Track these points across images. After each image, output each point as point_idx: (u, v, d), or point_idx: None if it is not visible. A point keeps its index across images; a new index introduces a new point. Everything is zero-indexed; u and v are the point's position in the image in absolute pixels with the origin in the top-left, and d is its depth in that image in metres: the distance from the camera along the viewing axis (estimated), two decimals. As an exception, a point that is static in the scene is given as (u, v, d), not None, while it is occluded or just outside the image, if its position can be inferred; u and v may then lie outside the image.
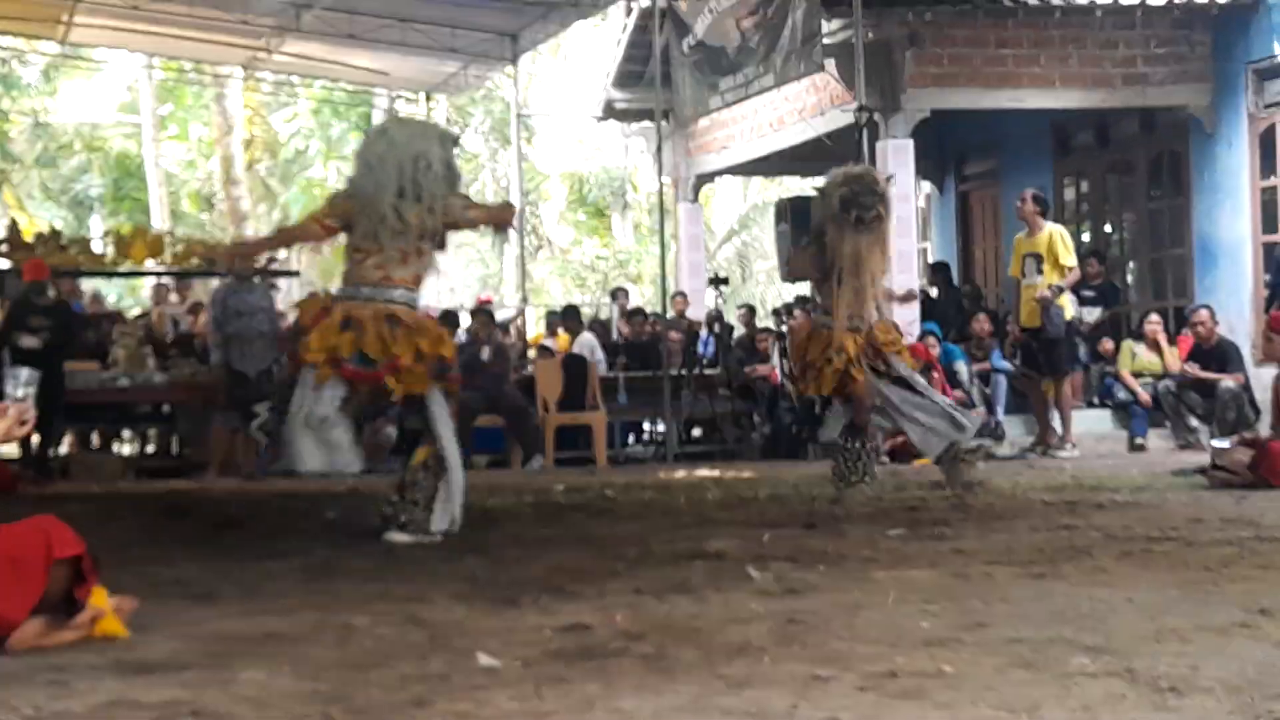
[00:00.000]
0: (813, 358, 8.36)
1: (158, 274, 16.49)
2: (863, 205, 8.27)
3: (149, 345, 14.77)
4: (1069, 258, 12.47)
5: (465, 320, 16.35)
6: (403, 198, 6.77)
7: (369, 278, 6.83)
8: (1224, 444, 9.20)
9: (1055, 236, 12.41)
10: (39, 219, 29.43)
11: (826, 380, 8.28)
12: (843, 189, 8.37)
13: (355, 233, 6.88)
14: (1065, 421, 12.75)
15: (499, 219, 7.59)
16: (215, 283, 15.03)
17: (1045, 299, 12.25)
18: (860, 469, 8.32)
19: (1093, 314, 14.01)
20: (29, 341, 12.31)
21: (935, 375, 12.99)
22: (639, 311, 17.19)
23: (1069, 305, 12.69)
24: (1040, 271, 12.31)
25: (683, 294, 17.31)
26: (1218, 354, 13.21)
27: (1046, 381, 12.70)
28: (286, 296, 22.01)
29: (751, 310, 18.29)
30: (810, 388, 8.59)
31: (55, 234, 15.73)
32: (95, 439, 15.24)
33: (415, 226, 6.81)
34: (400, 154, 6.85)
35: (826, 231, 8.49)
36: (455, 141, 7.39)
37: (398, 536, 6.58)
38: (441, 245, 7.14)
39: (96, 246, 15.31)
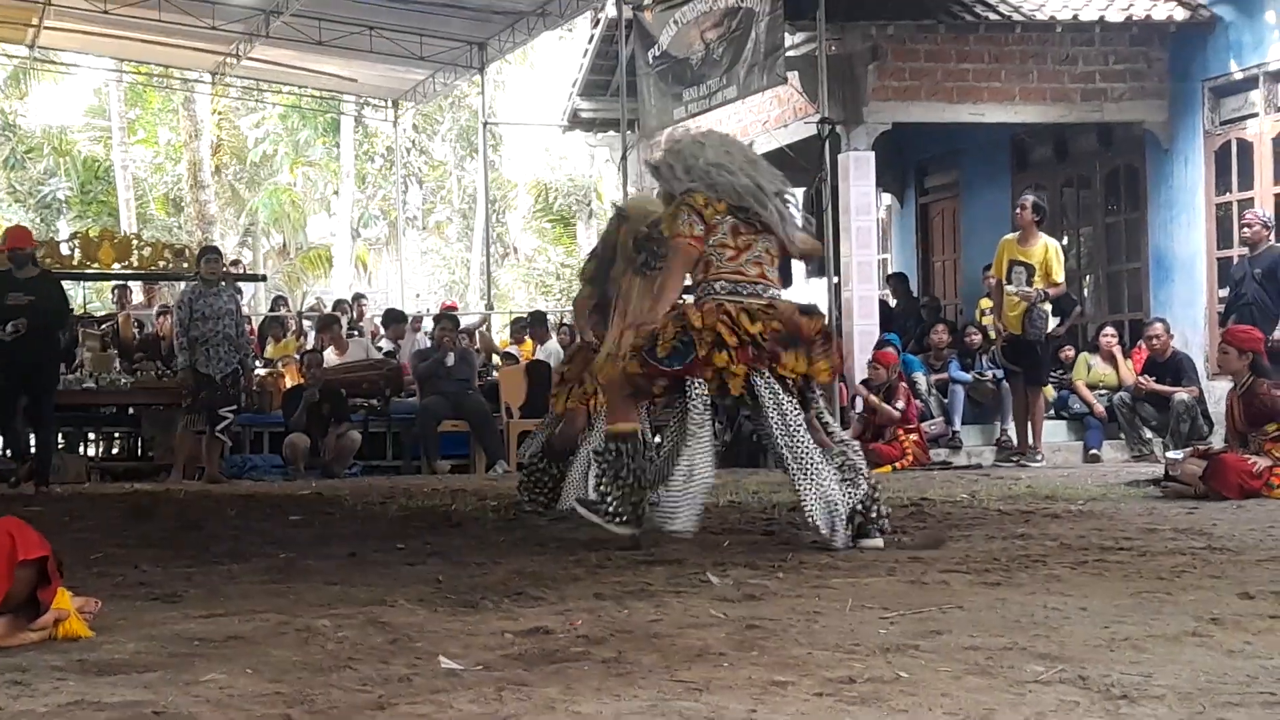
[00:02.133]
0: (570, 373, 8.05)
1: (125, 277, 16.43)
2: (655, 254, 7.43)
3: (115, 348, 14.73)
4: (1061, 274, 12.57)
5: (429, 325, 16.37)
6: (764, 193, 6.49)
7: (748, 274, 6.44)
8: (1178, 455, 9.29)
9: (1051, 251, 12.48)
10: (6, 221, 29.25)
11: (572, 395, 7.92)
12: (644, 229, 7.60)
13: (716, 232, 6.45)
14: (1036, 431, 12.84)
15: (815, 251, 7.26)
16: (181, 286, 14.99)
17: (1031, 299, 12.30)
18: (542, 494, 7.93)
19: (1050, 324, 14.13)
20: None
21: (902, 385, 13.09)
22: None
23: (1050, 319, 12.78)
24: (1030, 283, 12.38)
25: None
26: (1172, 367, 13.32)
27: (1033, 389, 12.78)
28: (250, 300, 21.95)
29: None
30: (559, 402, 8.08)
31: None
32: (60, 440, 15.15)
33: (782, 225, 6.52)
34: (734, 156, 6.62)
35: (607, 254, 8.00)
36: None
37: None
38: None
39: (64, 249, 15.25)
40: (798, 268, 17.52)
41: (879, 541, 6.18)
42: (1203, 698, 3.13)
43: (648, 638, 3.94)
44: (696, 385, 6.38)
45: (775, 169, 6.78)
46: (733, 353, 6.29)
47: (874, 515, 6.27)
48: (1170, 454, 9.92)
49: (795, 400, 6.39)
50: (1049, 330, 12.77)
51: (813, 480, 6.21)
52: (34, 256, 11.80)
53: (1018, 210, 12.73)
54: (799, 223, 6.75)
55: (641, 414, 6.81)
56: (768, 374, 6.34)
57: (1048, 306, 12.59)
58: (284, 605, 4.66)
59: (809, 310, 6.63)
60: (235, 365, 12.63)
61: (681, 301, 6.69)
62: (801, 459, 6.25)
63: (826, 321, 6.75)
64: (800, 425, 6.33)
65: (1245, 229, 12.35)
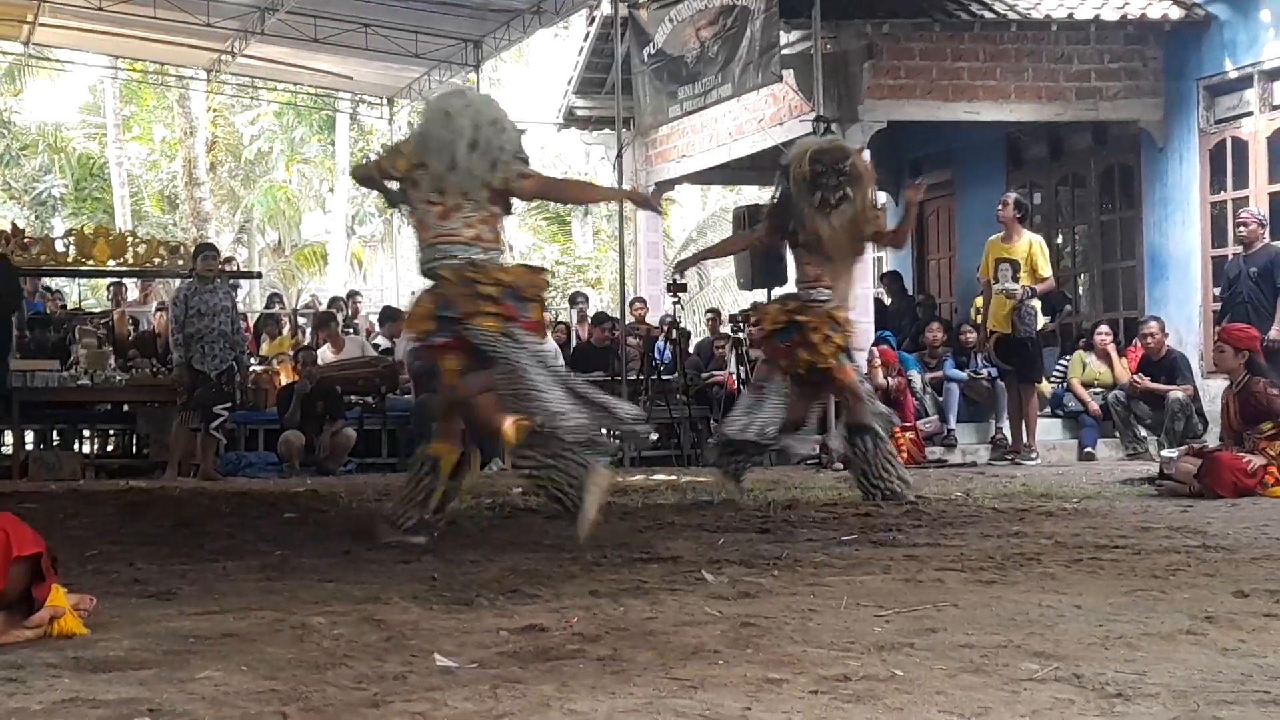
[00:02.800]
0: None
1: (120, 274, 16.43)
2: (829, 186, 8.18)
3: (110, 345, 14.72)
4: (1047, 269, 12.58)
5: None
6: (474, 150, 6.58)
7: (461, 235, 6.58)
8: (1173, 454, 9.30)
9: (1035, 246, 12.49)
10: (1, 218, 29.24)
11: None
12: (807, 167, 8.22)
13: (422, 185, 6.62)
14: (1030, 429, 12.85)
15: (585, 195, 7.30)
16: (177, 282, 14.99)
17: (1017, 296, 12.31)
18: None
19: (1040, 321, 14.17)
20: None
21: (898, 381, 13.11)
22: (605, 316, 17.21)
23: (1039, 315, 12.79)
24: (1016, 279, 12.39)
25: (642, 300, 17.35)
26: (1167, 365, 13.34)
27: (1026, 386, 12.79)
28: (246, 298, 21.94)
29: (717, 314, 18.36)
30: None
31: (19, 232, 15.65)
32: (55, 437, 15.17)
33: (482, 182, 6.61)
34: (478, 113, 6.70)
35: (792, 207, 8.40)
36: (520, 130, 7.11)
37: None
38: (507, 210, 6.91)
39: (59, 246, 15.24)
40: (792, 267, 17.57)
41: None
42: (1197, 696, 3.13)
43: (643, 635, 3.94)
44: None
45: (504, 131, 6.75)
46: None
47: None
48: (1165, 452, 9.94)
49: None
50: (1039, 327, 12.77)
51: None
52: None
53: (999, 208, 12.75)
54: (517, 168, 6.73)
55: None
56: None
57: (1036, 303, 12.60)
58: (279, 602, 4.66)
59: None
60: (230, 362, 12.63)
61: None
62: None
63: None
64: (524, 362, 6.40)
65: (1241, 227, 12.37)
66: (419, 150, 6.67)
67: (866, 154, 14.13)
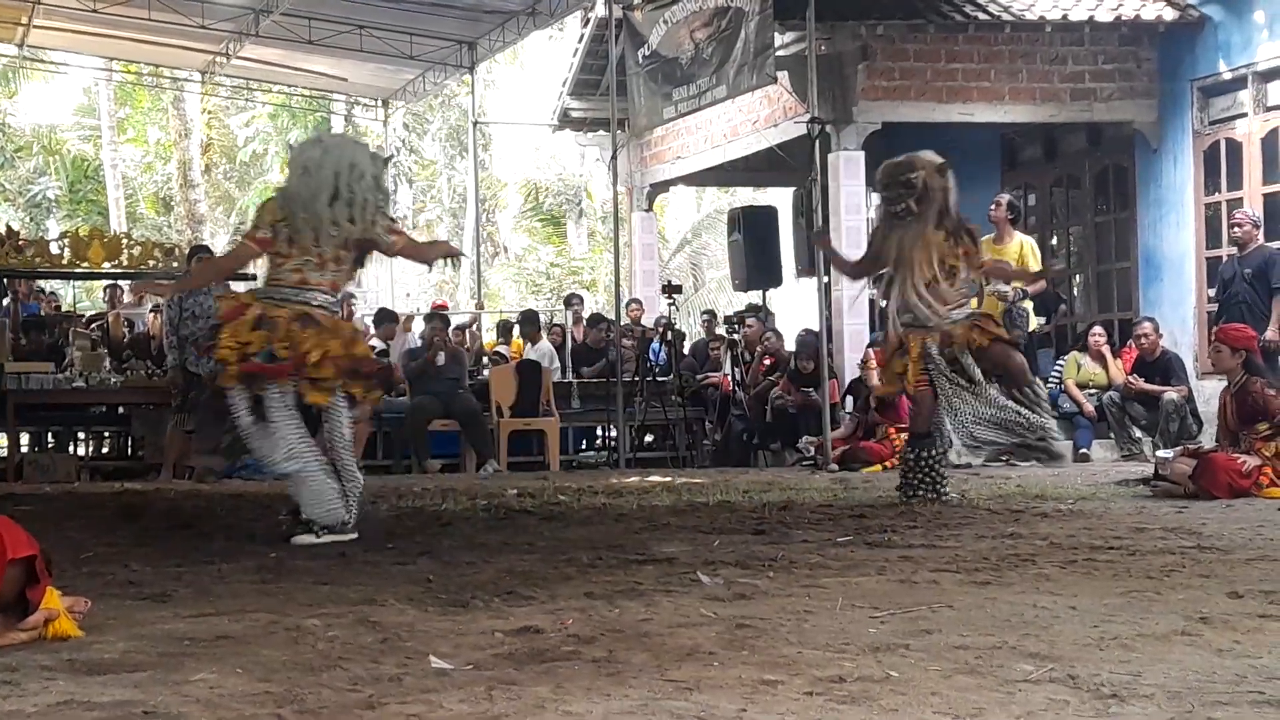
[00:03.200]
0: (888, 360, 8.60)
1: (114, 276, 16.41)
2: (889, 199, 8.30)
3: (105, 347, 14.71)
4: (1037, 267, 12.57)
5: (420, 325, 16.36)
6: (335, 201, 6.83)
7: (287, 280, 6.91)
8: (1168, 454, 9.30)
9: (1026, 247, 12.50)
10: None
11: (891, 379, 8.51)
12: (879, 181, 8.42)
13: (279, 238, 6.91)
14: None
15: (426, 256, 7.67)
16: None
17: (1008, 299, 12.32)
18: (930, 481, 8.39)
19: (1032, 324, 14.17)
20: None
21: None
22: (600, 318, 17.23)
23: (1031, 317, 12.79)
24: (1007, 280, 12.40)
25: (638, 301, 17.36)
26: (1161, 366, 13.35)
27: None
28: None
29: (713, 315, 18.39)
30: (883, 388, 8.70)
31: (13, 234, 15.64)
32: (50, 439, 15.16)
33: (341, 232, 6.88)
34: (335, 160, 6.90)
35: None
36: (386, 162, 7.40)
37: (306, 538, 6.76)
38: (360, 262, 7.20)
39: (53, 248, 15.23)
40: (789, 268, 17.58)
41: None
42: (1192, 697, 3.13)
43: (638, 637, 3.94)
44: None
45: (374, 181, 6.99)
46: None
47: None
48: (1161, 453, 9.94)
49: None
50: (1030, 329, 12.77)
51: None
52: None
53: (991, 208, 12.76)
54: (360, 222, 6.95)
55: None
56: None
57: (1028, 304, 12.60)
58: (274, 605, 4.66)
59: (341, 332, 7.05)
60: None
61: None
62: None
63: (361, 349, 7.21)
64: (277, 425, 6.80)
65: (1235, 228, 12.37)
66: (283, 208, 6.96)
67: (860, 155, 14.22)
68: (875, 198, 18.27)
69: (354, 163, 6.91)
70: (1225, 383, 9.31)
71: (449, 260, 7.83)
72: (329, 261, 6.93)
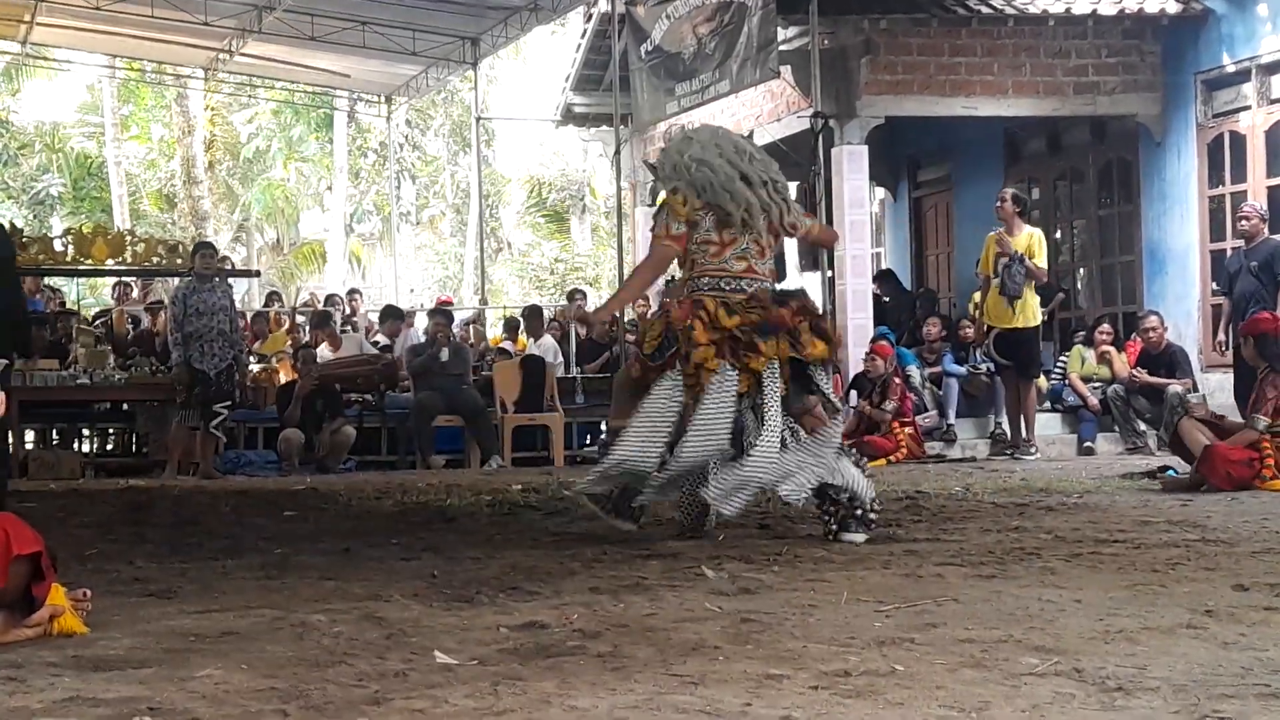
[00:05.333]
0: None
1: (118, 273, 16.42)
2: None
3: (109, 344, 14.71)
4: (1042, 260, 12.59)
5: (422, 320, 16.37)
6: (750, 184, 6.49)
7: (732, 269, 6.46)
8: (1197, 397, 9.42)
9: (1034, 239, 12.50)
10: (1, 218, 29.23)
11: None
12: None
13: (699, 228, 6.50)
14: (1029, 424, 12.85)
15: (829, 239, 7.23)
16: (175, 281, 14.98)
17: (1009, 253, 12.30)
18: None
19: (1039, 316, 14.17)
20: None
21: (896, 380, 13.10)
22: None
23: (1037, 311, 12.79)
24: (1028, 278, 12.41)
25: (644, 296, 17.32)
26: (1166, 359, 13.34)
27: (1025, 382, 12.78)
28: (244, 296, 21.95)
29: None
30: None
31: (16, 232, 15.64)
32: (54, 436, 15.17)
33: (765, 216, 6.51)
34: (724, 149, 6.59)
35: None
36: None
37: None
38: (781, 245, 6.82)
39: (57, 245, 15.23)
40: (793, 262, 17.58)
41: (859, 536, 6.22)
42: (1197, 689, 3.13)
43: (643, 632, 3.94)
44: (665, 378, 6.37)
45: (769, 158, 6.78)
46: (705, 348, 6.29)
47: (857, 511, 6.31)
48: (1193, 395, 10.01)
49: (777, 386, 6.36)
50: (1037, 322, 12.77)
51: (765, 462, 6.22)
52: None
53: (998, 204, 12.76)
54: (796, 209, 6.77)
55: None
56: (739, 366, 6.31)
57: (1034, 305, 12.59)
58: (279, 600, 4.66)
59: (786, 297, 6.59)
60: (229, 361, 12.62)
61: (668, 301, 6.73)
62: (763, 446, 6.24)
63: (809, 302, 6.69)
64: (772, 415, 6.29)
65: (1242, 221, 12.33)
66: (699, 197, 6.52)
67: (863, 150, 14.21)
68: (880, 191, 18.35)
69: (738, 147, 6.63)
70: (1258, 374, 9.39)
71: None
72: (766, 249, 6.55)
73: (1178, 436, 9.24)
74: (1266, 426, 8.79)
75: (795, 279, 18.78)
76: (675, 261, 6.70)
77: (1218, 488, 8.52)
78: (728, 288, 6.42)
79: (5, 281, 7.73)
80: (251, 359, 14.96)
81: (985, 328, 12.92)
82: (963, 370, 13.96)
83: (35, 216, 33.23)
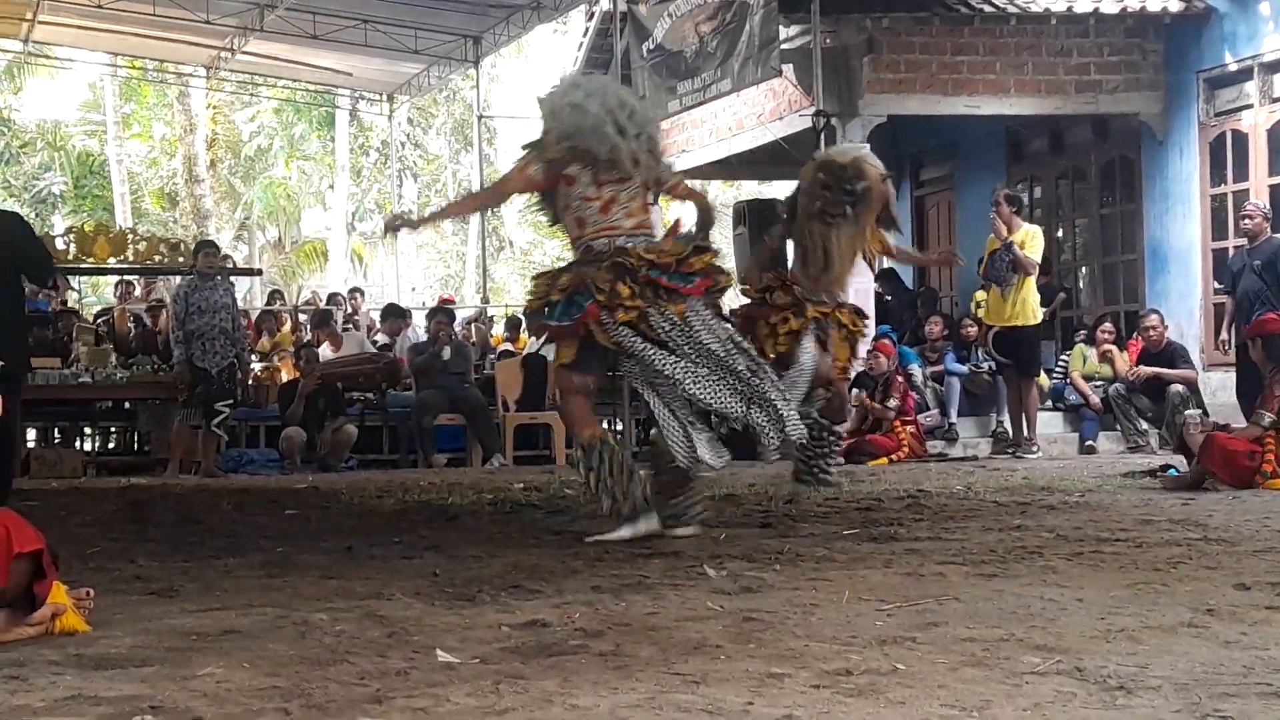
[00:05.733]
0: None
1: (120, 271, 16.43)
2: (827, 203, 8.24)
3: (111, 342, 14.73)
4: (1036, 254, 12.60)
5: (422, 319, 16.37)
6: (623, 135, 6.34)
7: (623, 226, 6.35)
8: (1195, 414, 9.41)
9: (1027, 234, 12.53)
10: None
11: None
12: (818, 177, 8.28)
13: (579, 184, 6.38)
14: (1030, 423, 12.85)
15: (698, 199, 6.97)
16: (177, 280, 14.98)
17: (1003, 239, 12.31)
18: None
19: (1039, 314, 14.17)
20: None
21: (898, 379, 13.10)
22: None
23: (1037, 309, 12.78)
24: (1014, 270, 12.41)
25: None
26: (1167, 357, 13.34)
27: (1025, 380, 12.79)
28: (246, 295, 21.96)
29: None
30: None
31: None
32: (56, 435, 15.19)
33: (641, 168, 6.38)
34: (604, 98, 6.46)
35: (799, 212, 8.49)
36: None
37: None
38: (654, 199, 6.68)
39: (59, 244, 15.24)
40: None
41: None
42: (1199, 689, 3.13)
43: (645, 630, 3.94)
44: (604, 325, 6.22)
45: (651, 114, 6.67)
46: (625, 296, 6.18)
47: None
48: (1190, 411, 10.01)
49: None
50: (1038, 320, 12.76)
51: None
52: None
53: (993, 209, 12.78)
54: (666, 166, 6.63)
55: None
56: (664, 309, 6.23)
57: (1034, 303, 12.60)
58: (280, 599, 4.66)
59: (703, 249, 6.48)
60: (231, 359, 12.62)
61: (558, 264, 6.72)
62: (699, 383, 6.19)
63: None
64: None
65: (1246, 220, 12.31)
66: (568, 143, 6.43)
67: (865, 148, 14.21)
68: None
69: (621, 99, 6.50)
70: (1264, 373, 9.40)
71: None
72: (646, 205, 6.45)
73: (1184, 442, 9.25)
74: (1271, 422, 8.79)
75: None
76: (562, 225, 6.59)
77: (1217, 478, 8.53)
78: (631, 244, 6.29)
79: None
80: (254, 357, 14.97)
81: (984, 326, 12.93)
82: (964, 369, 13.96)
83: (37, 215, 33.23)
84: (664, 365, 6.20)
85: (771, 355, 8.21)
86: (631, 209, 6.37)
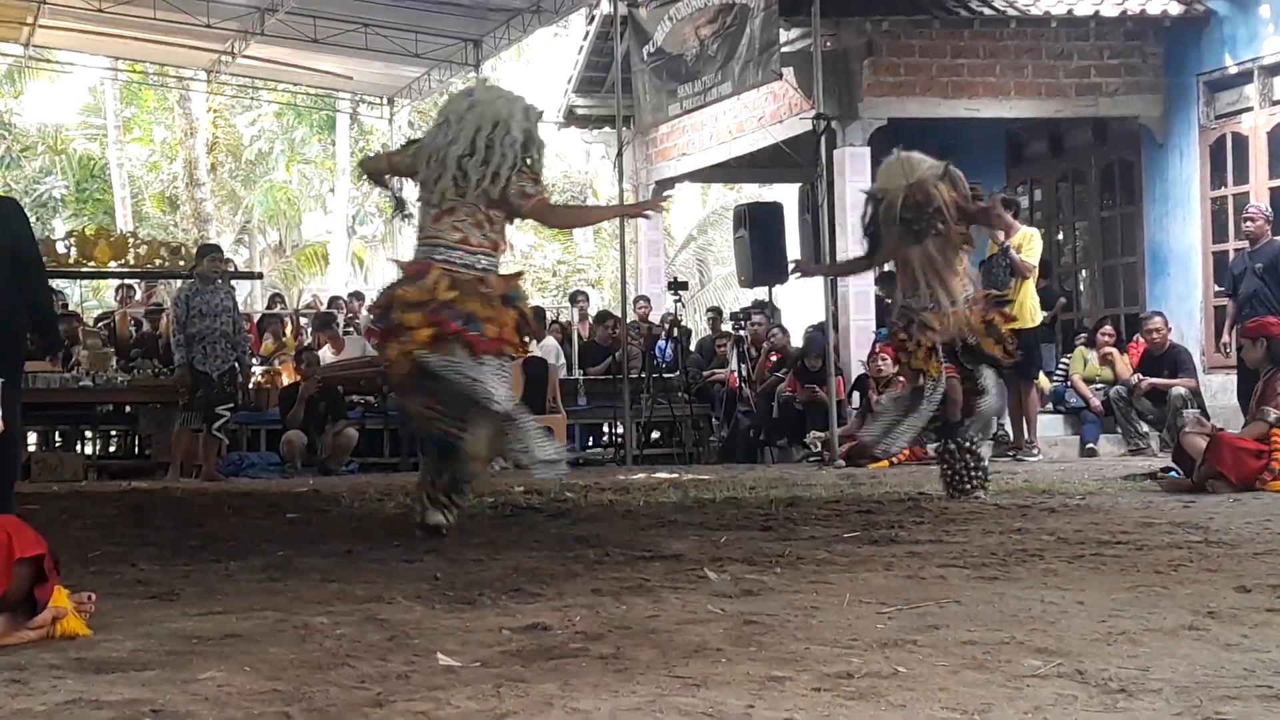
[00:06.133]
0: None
1: (121, 275, 16.42)
2: (913, 223, 8.33)
3: (112, 346, 14.73)
4: (1032, 256, 12.58)
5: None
6: (470, 156, 6.61)
7: (447, 238, 6.65)
8: (1194, 413, 9.40)
9: (1025, 237, 12.50)
10: None
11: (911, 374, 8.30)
12: (895, 206, 8.40)
13: (423, 186, 6.81)
14: (1031, 425, 12.84)
15: (576, 219, 7.36)
16: (178, 283, 14.98)
17: (1000, 244, 12.32)
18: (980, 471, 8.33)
19: (1039, 316, 14.14)
20: None
21: (901, 381, 13.09)
22: (607, 315, 17.21)
23: (1037, 312, 12.77)
24: (1012, 274, 12.40)
25: (645, 298, 17.35)
26: (1169, 360, 13.33)
27: (1025, 383, 12.77)
28: (247, 298, 21.96)
29: (718, 312, 18.36)
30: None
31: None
32: (57, 438, 15.18)
33: (477, 190, 6.61)
34: (481, 115, 6.72)
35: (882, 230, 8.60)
36: (540, 116, 7.12)
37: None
38: (509, 221, 6.95)
39: (60, 247, 15.23)
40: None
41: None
42: (1200, 691, 3.13)
43: (645, 633, 3.94)
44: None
45: (530, 134, 6.84)
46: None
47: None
48: (1188, 411, 9.99)
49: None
50: (1037, 323, 12.75)
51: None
52: None
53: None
54: (521, 185, 6.73)
55: None
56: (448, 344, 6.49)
57: (1033, 305, 12.58)
58: (281, 603, 4.66)
59: (515, 301, 6.77)
60: (232, 363, 12.62)
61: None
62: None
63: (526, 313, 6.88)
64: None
65: (1248, 222, 12.30)
66: (415, 154, 6.88)
67: (865, 151, 14.22)
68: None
69: (500, 119, 6.71)
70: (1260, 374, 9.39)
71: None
72: (484, 224, 6.68)
73: (1181, 448, 9.24)
74: (1277, 419, 8.79)
75: (796, 282, 18.79)
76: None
77: (1225, 478, 8.52)
78: (456, 260, 6.60)
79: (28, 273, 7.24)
80: (255, 361, 14.97)
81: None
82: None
83: (38, 219, 33.22)
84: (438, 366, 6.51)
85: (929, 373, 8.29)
86: (462, 224, 6.66)
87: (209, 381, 12.45)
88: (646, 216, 8.96)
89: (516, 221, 7.16)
